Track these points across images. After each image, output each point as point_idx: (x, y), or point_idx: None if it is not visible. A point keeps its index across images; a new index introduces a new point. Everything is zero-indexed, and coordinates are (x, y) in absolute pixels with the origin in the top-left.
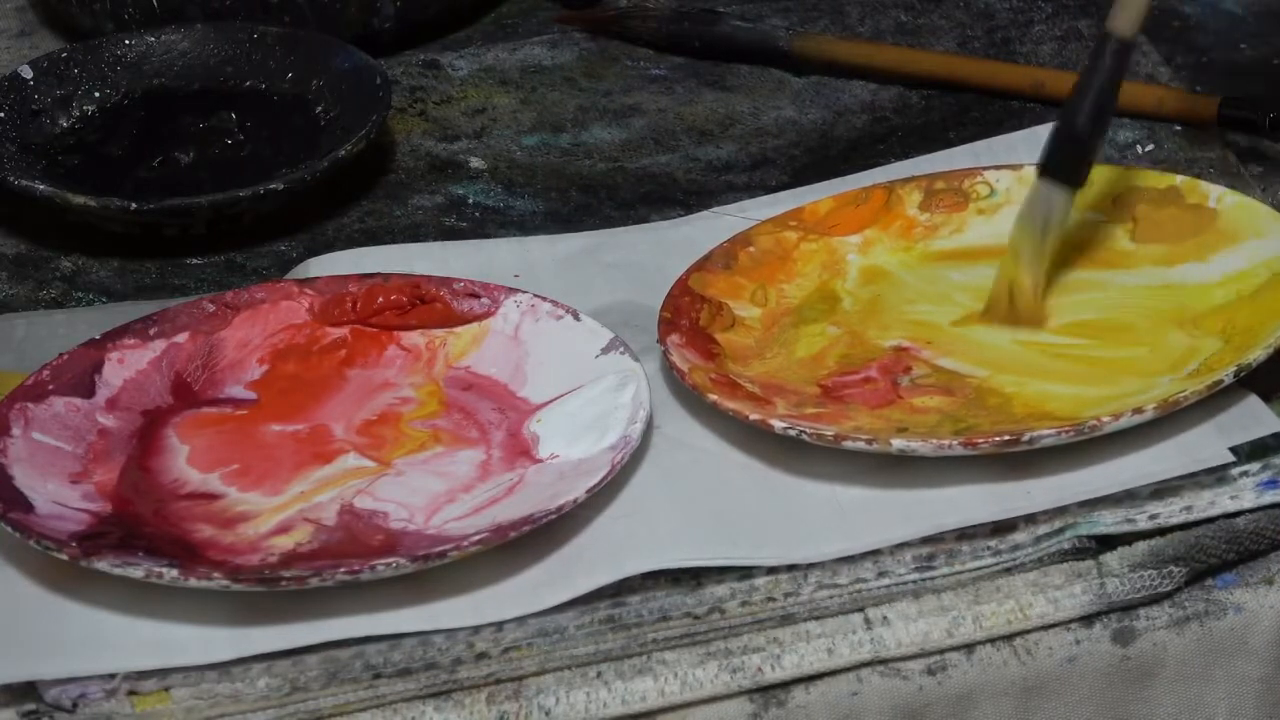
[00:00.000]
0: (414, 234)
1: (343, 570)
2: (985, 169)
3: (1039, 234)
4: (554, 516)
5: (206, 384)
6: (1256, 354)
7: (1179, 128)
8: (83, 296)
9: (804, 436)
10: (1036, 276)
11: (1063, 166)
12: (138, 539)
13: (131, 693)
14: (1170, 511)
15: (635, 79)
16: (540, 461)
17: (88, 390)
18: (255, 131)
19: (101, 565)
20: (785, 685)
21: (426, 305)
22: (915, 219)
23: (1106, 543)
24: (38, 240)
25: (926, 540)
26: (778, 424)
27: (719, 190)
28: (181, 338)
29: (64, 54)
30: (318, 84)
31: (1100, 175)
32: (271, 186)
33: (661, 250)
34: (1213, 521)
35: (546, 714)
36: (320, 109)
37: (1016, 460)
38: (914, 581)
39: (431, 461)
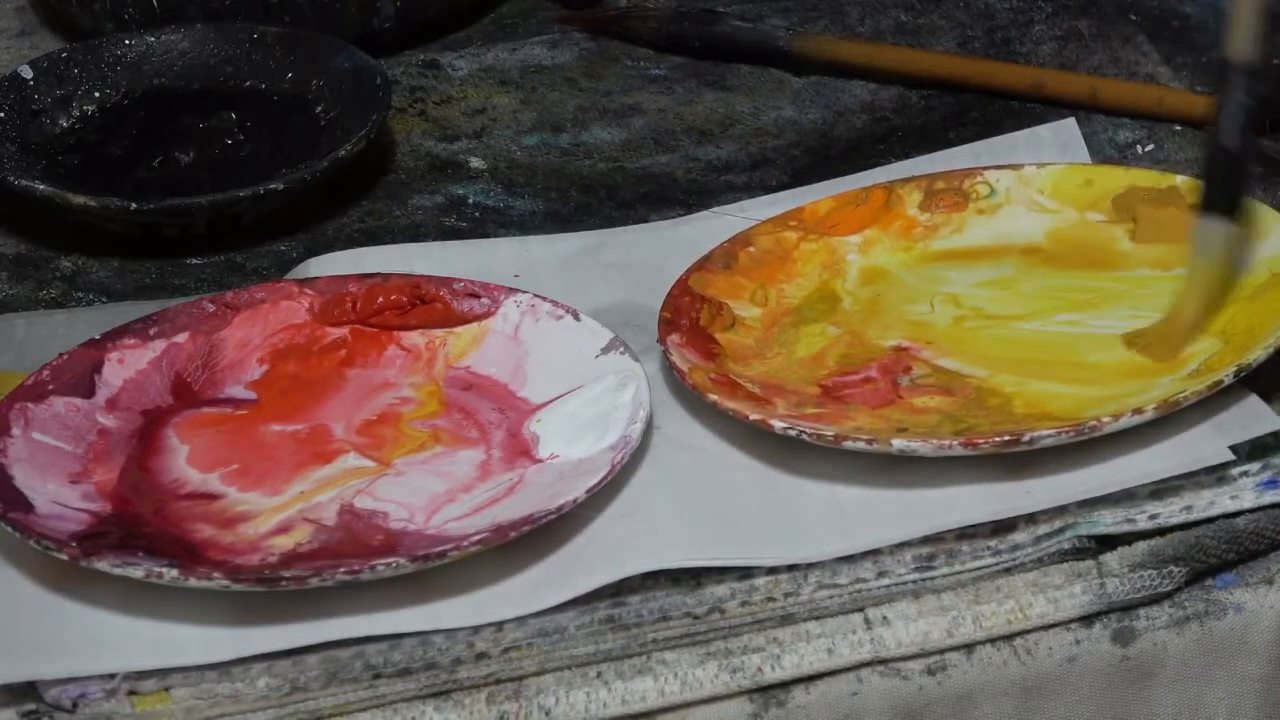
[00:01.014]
0: (414, 234)
1: (343, 570)
2: (985, 169)
3: (1207, 270)
4: (554, 516)
5: (206, 384)
6: (1256, 354)
7: (1179, 128)
8: (83, 296)
9: (804, 436)
10: (1199, 312)
11: (1217, 200)
12: (138, 539)
13: (131, 693)
14: (1170, 511)
15: (635, 79)
16: (540, 461)
17: (88, 390)
18: (255, 131)
19: (101, 565)
20: (785, 685)
21: (426, 305)
22: (915, 219)
23: (1106, 543)
24: (38, 240)
25: (926, 540)
26: (778, 424)
27: (719, 190)
28: (181, 338)
29: (64, 54)
30: (318, 84)
31: (1100, 175)
32: (271, 186)
33: (661, 250)
34: (1213, 521)
35: (546, 714)
36: (320, 109)
37: (1016, 460)
38: (914, 581)
39: (431, 461)
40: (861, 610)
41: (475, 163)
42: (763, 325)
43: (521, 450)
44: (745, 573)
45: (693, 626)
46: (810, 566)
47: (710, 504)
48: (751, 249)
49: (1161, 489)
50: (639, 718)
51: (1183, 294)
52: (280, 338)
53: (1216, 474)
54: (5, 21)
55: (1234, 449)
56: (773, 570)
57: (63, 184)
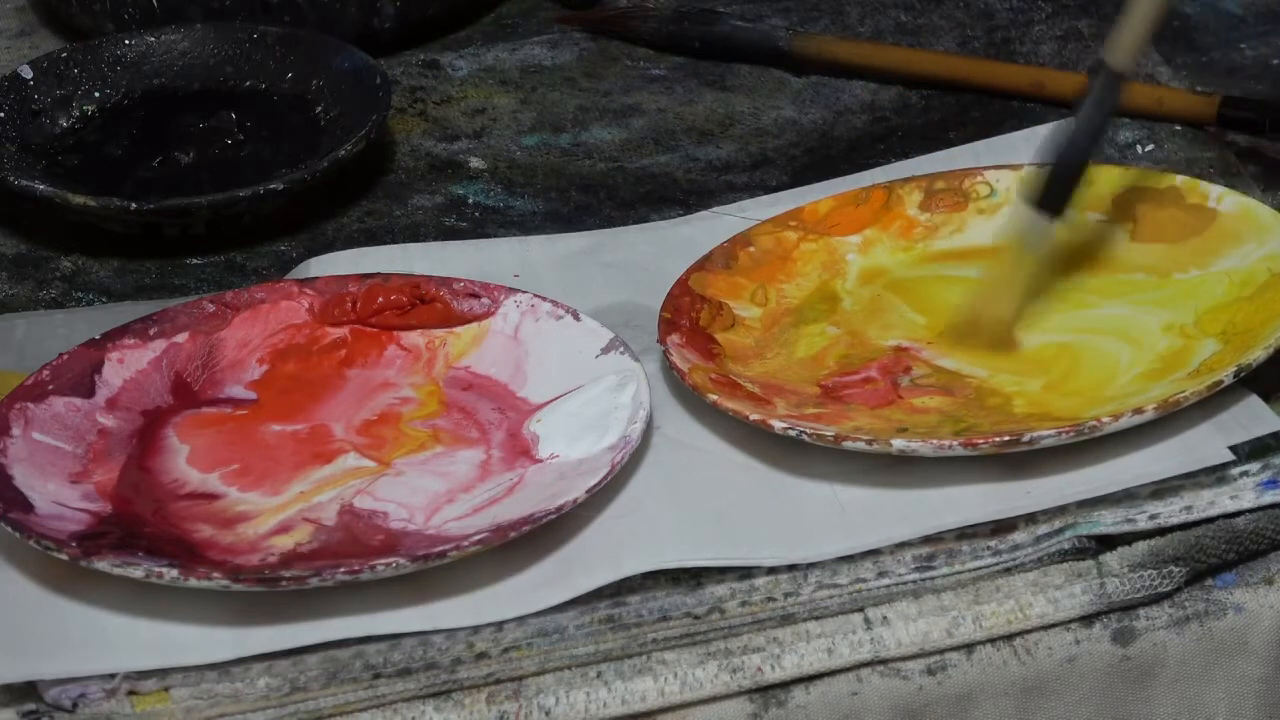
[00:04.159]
0: (414, 234)
1: (343, 570)
2: (985, 169)
3: (1020, 262)
4: (554, 516)
5: (206, 384)
6: (1256, 354)
7: (1179, 128)
8: (83, 296)
9: (804, 437)
10: (1010, 304)
11: (1052, 197)
12: (138, 539)
13: (131, 693)
14: (1170, 511)
15: (635, 79)
16: (540, 461)
17: (88, 390)
18: (255, 131)
19: (101, 565)
20: (785, 685)
21: (426, 305)
22: (915, 219)
23: (1106, 543)
24: (38, 240)
25: (926, 540)
26: (778, 424)
27: (719, 190)
28: (181, 338)
29: (64, 54)
30: (318, 84)
31: (1100, 175)
32: (271, 186)
33: (661, 250)
34: (1213, 521)
35: (546, 714)
36: (320, 109)
37: (1016, 460)
38: (914, 581)
39: (431, 461)
40: (861, 610)
41: (475, 163)
42: (763, 325)
43: (521, 450)
44: (745, 573)
45: (693, 626)
46: (810, 566)
47: (710, 504)
48: (751, 249)
49: (1161, 489)
50: (639, 718)
51: (996, 284)
52: (280, 338)
53: (1216, 474)
54: (5, 21)
55: (1234, 449)
56: (773, 570)
57: (63, 184)
